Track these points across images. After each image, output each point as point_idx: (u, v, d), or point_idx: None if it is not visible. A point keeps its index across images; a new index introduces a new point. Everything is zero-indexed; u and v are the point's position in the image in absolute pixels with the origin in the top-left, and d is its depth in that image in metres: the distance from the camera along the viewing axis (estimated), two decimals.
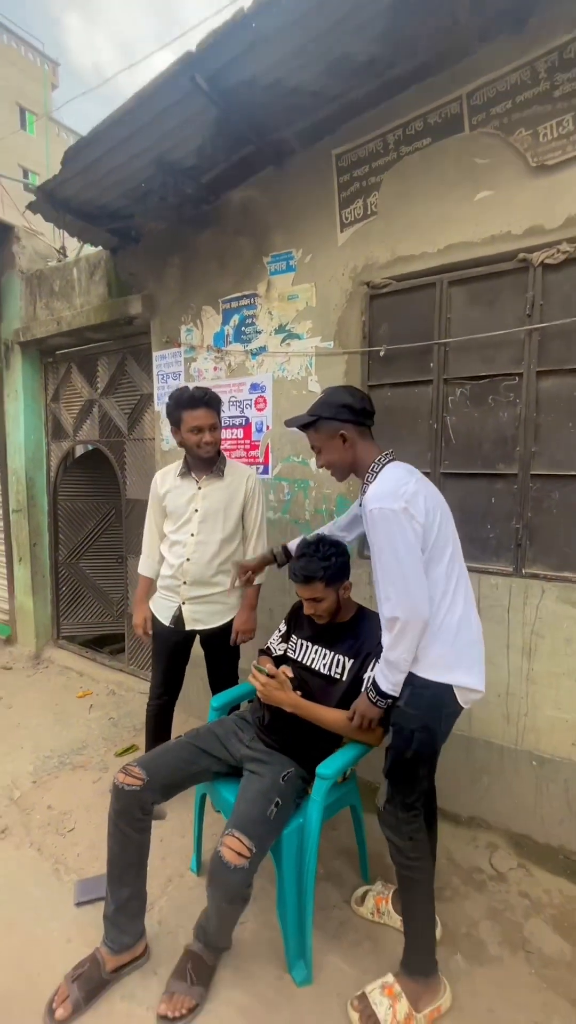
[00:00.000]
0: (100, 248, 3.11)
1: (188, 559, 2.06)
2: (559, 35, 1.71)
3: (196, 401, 1.96)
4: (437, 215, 2.01)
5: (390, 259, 2.13)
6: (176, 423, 2.00)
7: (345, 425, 1.46)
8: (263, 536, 2.18)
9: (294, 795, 1.55)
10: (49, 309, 3.43)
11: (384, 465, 1.43)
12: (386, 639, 1.37)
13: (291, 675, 1.67)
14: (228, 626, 2.14)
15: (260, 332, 2.53)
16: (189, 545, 2.06)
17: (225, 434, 2.70)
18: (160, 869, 1.92)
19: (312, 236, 2.33)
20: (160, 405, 2.97)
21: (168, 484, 2.13)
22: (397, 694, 1.39)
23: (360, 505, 1.49)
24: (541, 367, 1.88)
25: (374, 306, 2.22)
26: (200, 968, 1.47)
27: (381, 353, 2.19)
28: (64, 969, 1.51)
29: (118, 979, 1.50)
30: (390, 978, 1.45)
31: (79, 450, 3.97)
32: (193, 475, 2.09)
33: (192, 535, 2.06)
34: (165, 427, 2.97)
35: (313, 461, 2.41)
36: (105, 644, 4.10)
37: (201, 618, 2.11)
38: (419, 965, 1.44)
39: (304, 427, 1.54)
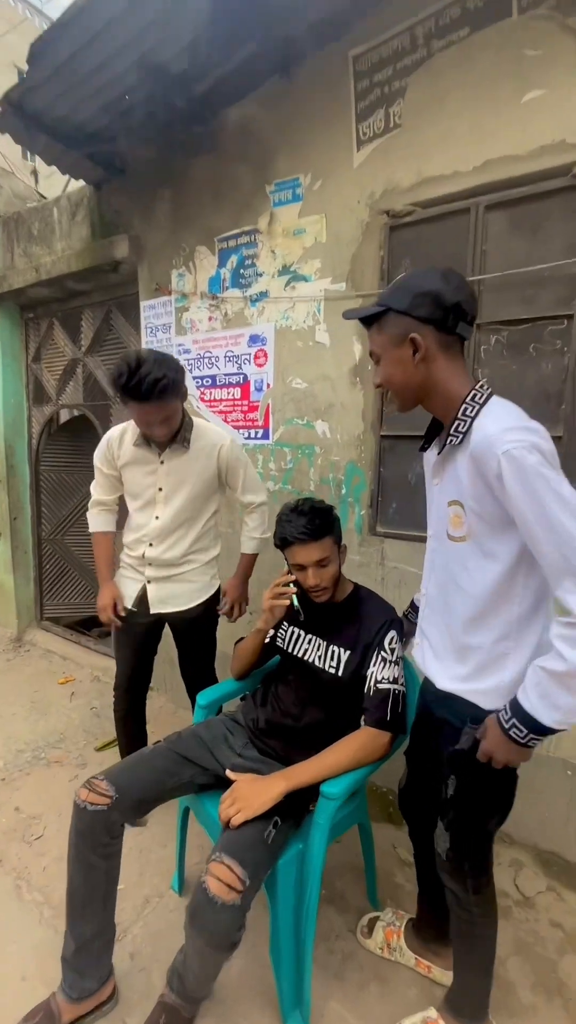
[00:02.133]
0: (83, 185, 2.76)
1: (151, 544, 1.76)
2: None
3: (140, 395, 1.47)
4: (474, 124, 1.67)
5: (415, 181, 1.80)
6: (122, 400, 1.57)
7: (422, 327, 0.97)
8: (255, 490, 1.87)
9: (295, 814, 1.29)
10: (28, 256, 3.09)
11: (488, 397, 0.98)
12: (567, 640, 0.88)
13: (293, 588, 1.40)
14: (202, 609, 1.85)
15: (261, 275, 2.20)
16: (151, 530, 1.76)
17: (219, 394, 2.40)
18: (136, 887, 1.67)
19: (323, 158, 1.99)
20: None
21: (125, 454, 1.73)
22: (568, 727, 0.92)
23: (439, 455, 1.04)
24: None
25: (394, 239, 1.89)
26: (173, 1022, 1.22)
27: None
28: (15, 1013, 1.26)
29: None
30: (433, 1013, 1.22)
31: (64, 416, 3.66)
32: (154, 446, 1.70)
33: (156, 518, 1.75)
34: None
35: (321, 423, 2.11)
36: (93, 626, 3.84)
37: (167, 599, 1.81)
38: (470, 1010, 1.22)
39: (368, 321, 1.05)
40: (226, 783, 1.40)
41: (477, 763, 1.03)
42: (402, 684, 1.35)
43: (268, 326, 2.20)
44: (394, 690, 1.32)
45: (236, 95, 2.13)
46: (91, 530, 1.91)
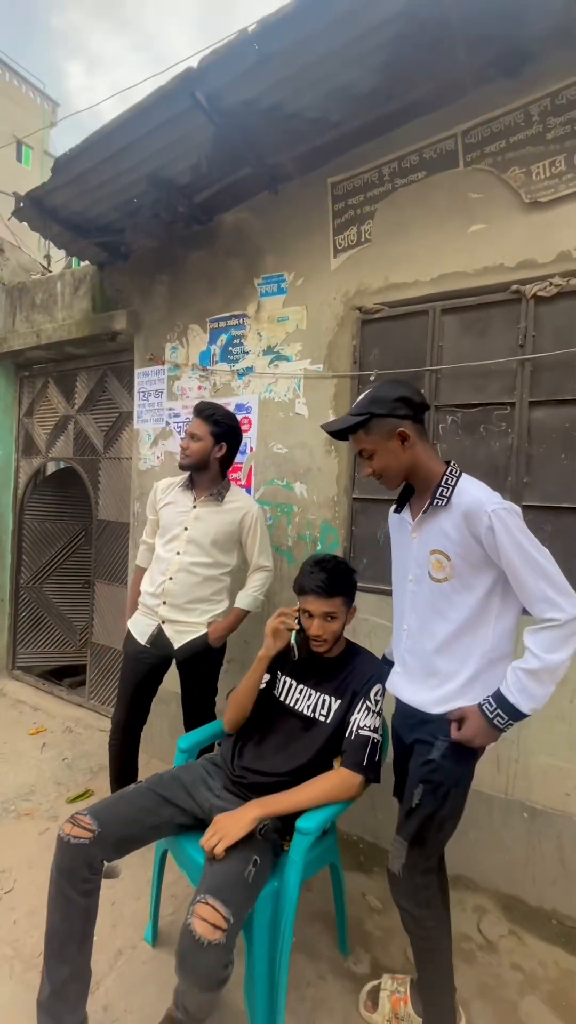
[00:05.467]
0: (86, 263, 3.06)
1: (171, 578, 1.96)
2: (552, 83, 1.76)
3: (196, 411, 2.00)
4: (431, 245, 2.01)
5: (383, 285, 2.12)
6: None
7: (404, 422, 1.26)
8: (266, 558, 2.09)
9: (272, 852, 1.37)
10: (29, 322, 3.33)
11: (460, 472, 1.29)
12: (546, 645, 1.15)
13: (295, 623, 1.55)
14: (208, 646, 2.00)
15: (248, 352, 2.47)
16: (173, 564, 1.97)
17: None
18: (109, 939, 1.68)
19: (304, 260, 2.31)
20: (140, 423, 2.86)
21: (168, 496, 2.06)
22: (537, 711, 1.19)
23: (423, 513, 1.29)
24: (533, 397, 1.86)
25: (365, 331, 2.19)
26: None
27: (371, 378, 2.15)
28: None
29: None
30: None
31: (51, 468, 3.80)
32: (193, 491, 2.02)
33: (178, 553, 1.97)
34: (143, 446, 2.85)
35: (299, 485, 2.32)
36: (65, 676, 3.82)
37: (184, 631, 1.99)
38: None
39: (350, 430, 1.30)
40: (204, 824, 1.48)
41: (445, 770, 1.24)
42: (380, 735, 1.48)
43: (253, 397, 2.45)
44: (373, 738, 1.44)
45: (231, 203, 2.48)
46: (136, 563, 2.21)
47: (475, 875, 1.92)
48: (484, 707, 1.21)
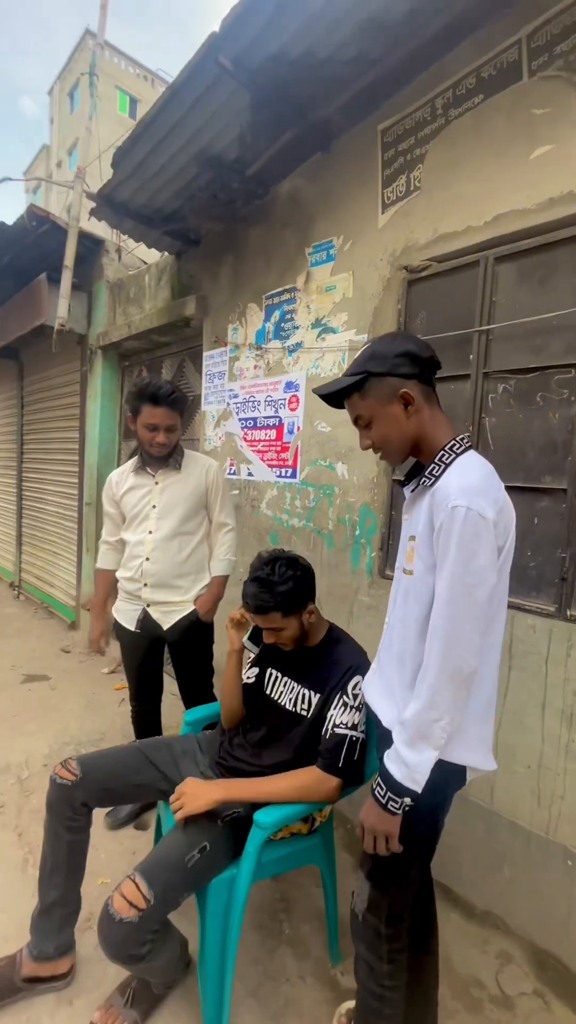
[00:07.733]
0: (166, 254, 3.21)
1: (148, 558, 1.95)
2: None
3: (157, 399, 1.83)
4: (484, 182, 1.70)
5: (431, 238, 1.86)
6: (134, 413, 1.89)
7: (407, 382, 1.04)
8: (227, 514, 2.09)
9: (232, 841, 1.34)
10: (125, 314, 3.62)
11: (465, 448, 1.05)
12: (416, 698, 0.97)
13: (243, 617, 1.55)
14: (196, 623, 2.01)
15: (298, 327, 2.38)
16: (147, 543, 1.96)
17: (258, 435, 2.59)
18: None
19: (353, 221, 2.13)
20: (206, 405, 2.95)
21: (125, 484, 2.00)
22: (420, 788, 0.95)
23: (411, 492, 1.11)
24: None
25: (412, 293, 1.95)
26: (142, 993, 1.36)
27: None
28: None
29: (31, 993, 1.40)
30: None
31: None
32: (148, 470, 1.99)
33: (150, 532, 1.96)
34: (208, 427, 2.94)
35: (341, 465, 2.19)
36: None
37: (169, 612, 2.00)
38: None
39: (343, 393, 1.09)
40: None
41: None
42: (361, 731, 1.34)
43: (301, 373, 2.36)
44: (351, 736, 1.32)
45: (284, 171, 2.38)
46: (98, 565, 2.13)
47: (506, 915, 1.67)
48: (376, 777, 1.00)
